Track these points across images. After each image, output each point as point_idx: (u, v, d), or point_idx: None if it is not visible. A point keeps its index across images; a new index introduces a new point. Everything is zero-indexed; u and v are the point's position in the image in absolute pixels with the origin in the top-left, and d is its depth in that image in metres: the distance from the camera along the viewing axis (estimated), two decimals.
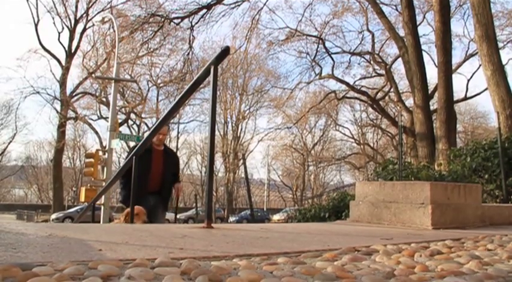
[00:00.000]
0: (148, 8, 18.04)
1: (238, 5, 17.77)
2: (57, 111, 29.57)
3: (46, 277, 0.95)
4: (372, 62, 24.79)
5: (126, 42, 18.75)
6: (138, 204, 3.83)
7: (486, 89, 9.70)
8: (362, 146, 37.73)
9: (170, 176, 4.64)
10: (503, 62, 9.40)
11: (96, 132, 32.38)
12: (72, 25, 28.99)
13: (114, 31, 16.55)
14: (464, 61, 24.53)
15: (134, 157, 3.70)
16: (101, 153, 14.24)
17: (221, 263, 1.25)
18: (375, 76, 26.63)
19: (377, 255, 1.52)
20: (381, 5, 17.21)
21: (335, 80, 23.65)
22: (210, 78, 2.61)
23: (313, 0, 21.26)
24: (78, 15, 28.87)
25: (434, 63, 16.12)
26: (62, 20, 28.79)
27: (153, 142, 4.39)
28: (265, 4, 19.28)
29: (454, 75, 13.86)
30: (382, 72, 23.70)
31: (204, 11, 16.96)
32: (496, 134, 6.46)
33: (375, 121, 34.55)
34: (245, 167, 36.64)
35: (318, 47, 22.70)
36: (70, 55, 28.71)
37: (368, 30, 23.52)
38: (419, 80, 11.34)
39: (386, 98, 26.26)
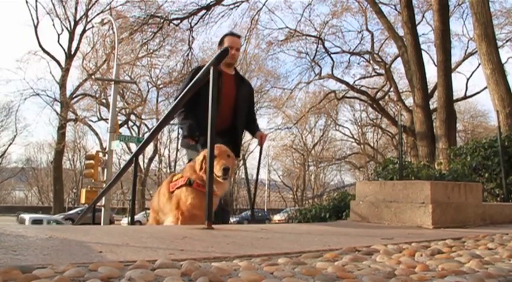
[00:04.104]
0: (148, 9, 18.03)
1: (238, 6, 17.81)
2: (57, 113, 29.66)
3: (46, 279, 0.94)
4: (371, 62, 24.79)
5: (126, 43, 18.73)
6: (203, 146, 2.95)
7: (486, 88, 9.69)
8: (362, 146, 37.75)
9: (245, 110, 3.54)
10: (503, 61, 9.40)
11: (96, 134, 32.50)
12: (72, 27, 29.10)
13: (114, 32, 16.54)
14: (463, 60, 24.61)
15: (134, 158, 3.67)
16: (101, 154, 14.24)
17: (222, 264, 1.25)
18: (374, 76, 26.66)
19: (378, 255, 1.52)
20: (380, 5, 17.20)
21: (335, 79, 23.66)
22: (210, 78, 2.62)
23: (312, 0, 21.28)
24: (78, 16, 29.02)
25: (434, 63, 16.14)
26: (61, 21, 28.93)
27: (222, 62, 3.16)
28: (264, 4, 19.31)
29: (453, 74, 13.90)
30: (382, 71, 23.71)
31: (204, 11, 16.98)
32: (496, 133, 6.46)
33: (374, 121, 34.58)
34: (245, 168, 36.60)
35: (317, 47, 22.74)
36: (70, 57, 28.79)
37: (367, 29, 23.56)
38: (418, 79, 11.34)
39: (386, 97, 26.29)
